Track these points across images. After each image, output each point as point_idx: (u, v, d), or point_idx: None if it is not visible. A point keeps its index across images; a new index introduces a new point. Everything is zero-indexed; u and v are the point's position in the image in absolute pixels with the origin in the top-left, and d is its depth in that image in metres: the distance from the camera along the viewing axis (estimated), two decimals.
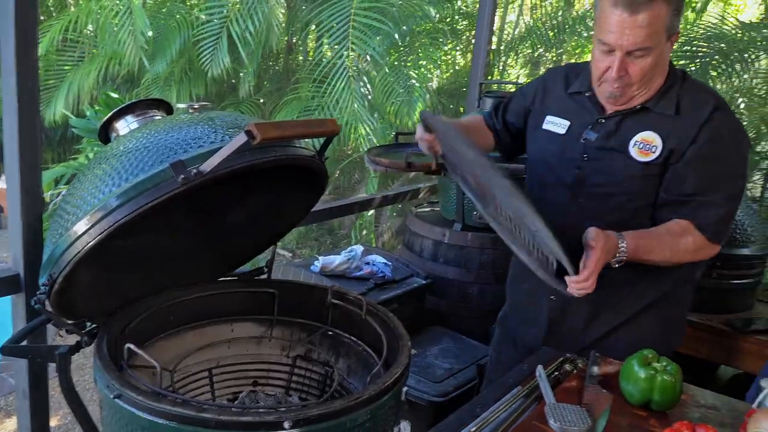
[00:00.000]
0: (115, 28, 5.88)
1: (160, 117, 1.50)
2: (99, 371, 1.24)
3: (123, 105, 1.49)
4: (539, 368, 1.42)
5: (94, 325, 1.45)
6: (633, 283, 1.68)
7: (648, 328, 1.72)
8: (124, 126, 1.49)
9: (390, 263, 2.71)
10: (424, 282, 2.68)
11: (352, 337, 1.66)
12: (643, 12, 1.46)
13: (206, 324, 1.68)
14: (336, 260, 2.59)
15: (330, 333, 1.70)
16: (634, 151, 1.60)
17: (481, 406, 1.32)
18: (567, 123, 1.73)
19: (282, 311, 1.74)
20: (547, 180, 1.76)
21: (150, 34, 6.03)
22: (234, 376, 1.72)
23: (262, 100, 6.98)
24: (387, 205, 4.01)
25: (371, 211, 5.95)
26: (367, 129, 5.32)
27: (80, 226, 1.20)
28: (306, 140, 1.43)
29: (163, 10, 6.55)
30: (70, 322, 1.39)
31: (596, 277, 1.43)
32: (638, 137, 1.60)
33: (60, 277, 1.24)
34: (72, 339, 1.42)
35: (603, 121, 1.66)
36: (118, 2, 5.84)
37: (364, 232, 6.16)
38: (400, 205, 5.43)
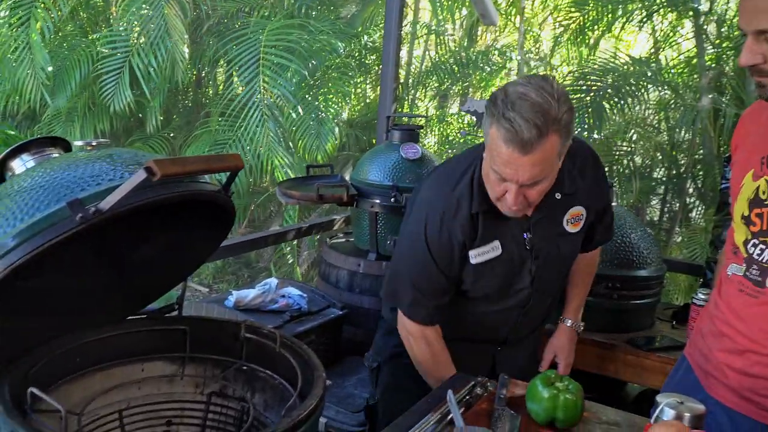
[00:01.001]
0: (13, 64, 5.65)
1: (57, 155, 1.45)
2: (2, 417, 1.18)
3: (17, 144, 1.44)
4: (449, 393, 1.45)
5: None
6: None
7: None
8: (20, 165, 1.43)
9: (306, 295, 2.70)
10: (340, 312, 2.68)
11: (267, 371, 1.64)
12: (535, 151, 1.43)
13: (115, 364, 1.62)
14: (250, 294, 2.56)
15: (244, 368, 1.67)
16: (568, 227, 1.75)
17: (396, 430, 1.33)
18: (497, 243, 1.70)
19: (194, 348, 1.70)
20: (506, 294, 1.79)
21: (50, 69, 5.83)
22: (146, 417, 1.66)
23: (172, 135, 6.85)
24: (301, 237, 4.01)
25: (294, 242, 5.92)
26: (282, 161, 5.32)
27: None
28: (214, 175, 1.43)
29: (65, 44, 6.36)
30: None
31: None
32: (568, 215, 1.74)
33: None
34: None
35: (534, 222, 1.71)
36: (15, 39, 5.63)
37: (290, 261, 6.12)
38: (318, 237, 5.43)
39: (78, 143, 1.43)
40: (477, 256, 1.69)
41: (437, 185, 1.73)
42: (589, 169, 1.76)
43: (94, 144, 1.41)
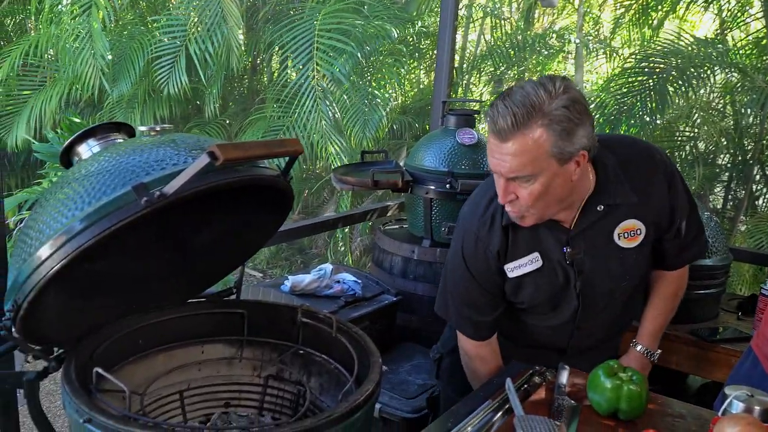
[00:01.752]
0: (75, 52, 5.82)
1: (121, 140, 1.49)
2: (68, 396, 1.22)
3: (84, 129, 1.48)
4: (508, 381, 1.44)
5: (61, 350, 1.43)
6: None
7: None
8: (86, 150, 1.47)
9: (360, 281, 2.71)
10: (394, 299, 2.68)
11: (324, 356, 1.66)
12: (511, 141, 1.38)
13: (176, 346, 1.66)
14: (306, 279, 2.59)
15: (301, 352, 1.69)
16: (621, 242, 1.61)
17: (454, 419, 1.32)
18: (537, 254, 1.62)
19: (252, 331, 1.72)
20: (554, 308, 1.71)
21: (110, 57, 5.98)
22: (205, 398, 1.70)
23: (228, 121, 6.96)
24: (355, 223, 4.03)
25: (347, 228, 5.96)
26: (337, 147, 5.34)
27: (44, 251, 1.19)
28: (272, 160, 1.44)
29: (125, 33, 6.52)
30: (37, 347, 1.37)
31: None
32: (619, 229, 1.60)
33: (25, 303, 1.22)
34: (40, 364, 1.40)
35: (573, 233, 1.60)
36: (78, 26, 5.79)
37: (342, 248, 6.16)
38: (371, 223, 5.45)
39: (142, 128, 1.46)
40: (514, 269, 1.64)
41: (474, 202, 1.70)
42: (654, 179, 1.61)
43: (157, 129, 1.44)
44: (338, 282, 2.66)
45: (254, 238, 1.75)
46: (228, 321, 1.72)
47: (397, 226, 3.19)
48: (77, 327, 1.47)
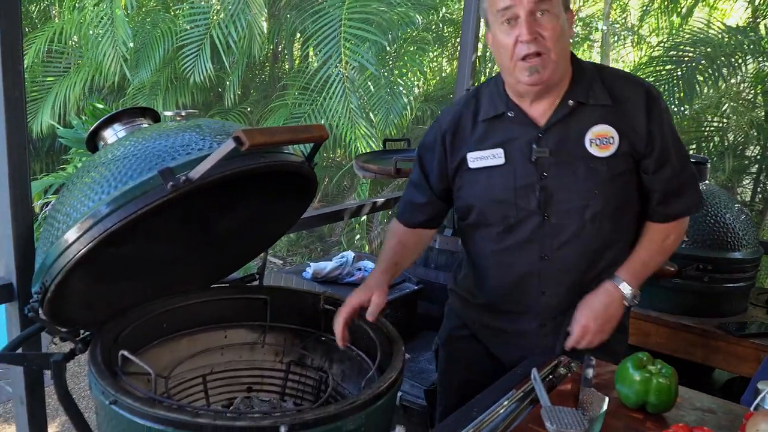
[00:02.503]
0: (98, 39, 5.87)
1: (147, 125, 1.50)
2: (94, 378, 1.24)
3: (110, 114, 1.49)
4: (534, 371, 1.43)
5: (87, 333, 1.45)
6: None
7: None
8: (112, 135, 1.48)
9: None
10: (415, 287, 2.68)
11: (349, 345, 1.64)
12: None
13: (199, 331, 1.68)
14: (328, 266, 2.60)
15: (323, 339, 1.70)
16: (593, 149, 1.54)
17: (478, 408, 1.32)
18: (501, 151, 1.59)
19: (274, 317, 1.73)
20: (506, 217, 1.62)
21: (131, 44, 6.02)
22: (228, 383, 1.72)
23: (249, 109, 6.98)
24: (377, 211, 4.02)
25: (363, 217, 5.96)
26: (365, 132, 5.34)
27: (71, 234, 1.20)
28: (295, 147, 1.44)
29: (148, 20, 6.55)
30: (63, 329, 1.39)
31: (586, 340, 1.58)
32: (591, 133, 1.54)
33: (52, 286, 1.24)
34: (67, 346, 1.42)
35: (544, 134, 1.56)
36: (101, 12, 5.83)
37: (357, 237, 6.16)
38: (390, 212, 5.45)
39: (168, 113, 1.47)
40: (475, 159, 1.62)
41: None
42: (633, 96, 1.54)
43: (183, 114, 1.44)
44: (359, 269, 2.67)
45: (277, 225, 1.75)
46: (251, 306, 1.73)
47: None
48: (103, 310, 1.49)
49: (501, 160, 1.59)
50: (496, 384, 1.44)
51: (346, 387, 1.66)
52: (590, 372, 1.44)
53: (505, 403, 1.33)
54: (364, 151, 5.00)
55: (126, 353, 1.30)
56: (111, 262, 1.45)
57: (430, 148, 1.70)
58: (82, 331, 1.45)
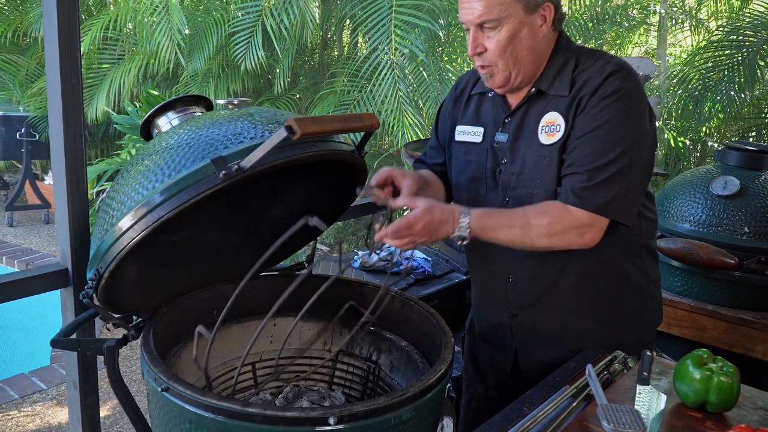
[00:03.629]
0: (153, 26, 5.96)
1: (200, 113, 1.51)
2: (146, 364, 1.25)
3: (164, 102, 1.50)
4: (589, 367, 1.39)
5: (140, 319, 1.47)
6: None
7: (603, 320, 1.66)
8: (166, 122, 1.50)
9: (430, 258, 2.69)
10: (464, 277, 2.66)
11: (395, 333, 1.65)
12: None
13: (250, 318, 1.69)
14: (375, 256, 2.59)
15: (372, 328, 1.69)
16: (542, 137, 1.55)
17: (529, 404, 1.29)
18: (481, 129, 1.66)
19: (323, 306, 1.72)
20: (477, 195, 1.68)
21: (187, 31, 6.09)
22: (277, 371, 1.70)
23: (298, 96, 7.01)
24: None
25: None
26: (412, 120, 5.30)
27: (125, 222, 1.21)
28: (345, 135, 1.43)
29: (201, 8, 6.62)
30: (117, 315, 1.41)
31: (404, 240, 1.43)
32: (543, 121, 1.55)
33: (106, 272, 1.26)
34: (119, 332, 1.45)
35: (509, 119, 1.61)
36: (154, 1, 5.92)
37: None
38: None
39: (220, 102, 1.47)
40: (460, 133, 1.71)
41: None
42: (589, 75, 1.51)
43: (235, 103, 1.44)
44: (408, 259, 2.65)
45: (325, 214, 1.74)
46: (300, 295, 1.71)
47: None
48: (155, 297, 1.51)
49: (479, 138, 1.66)
50: (547, 379, 1.41)
51: (394, 378, 1.64)
52: (647, 368, 1.40)
53: (557, 399, 1.30)
54: (411, 140, 4.97)
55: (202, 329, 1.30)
56: (163, 249, 1.47)
57: (444, 111, 1.80)
58: (135, 318, 1.47)
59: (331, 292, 1.74)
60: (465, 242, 1.47)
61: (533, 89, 1.57)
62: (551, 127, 1.53)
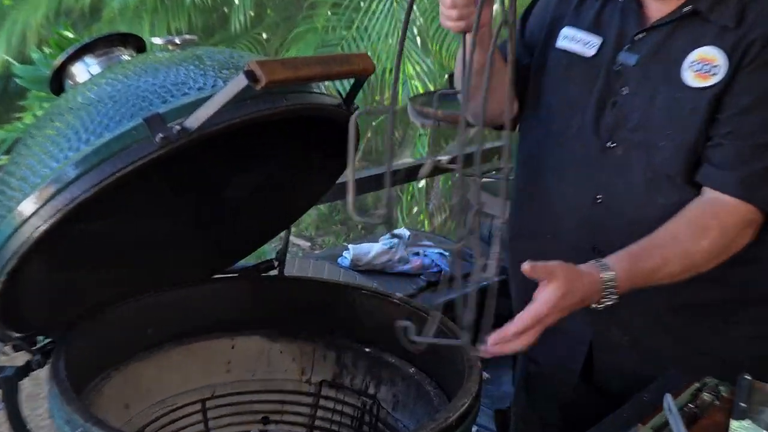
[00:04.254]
0: None
1: (129, 57, 1.50)
2: (56, 402, 1.24)
3: (80, 44, 1.49)
4: (668, 398, 1.41)
5: (49, 340, 1.46)
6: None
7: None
8: (83, 70, 1.49)
9: (447, 254, 2.70)
10: (495, 279, 2.65)
11: (399, 357, 1.65)
12: None
13: (197, 338, 1.69)
14: (373, 250, 2.61)
15: (367, 350, 1.70)
16: (687, 75, 1.55)
17: None
18: (599, 40, 1.67)
19: (300, 320, 1.74)
20: (566, 130, 1.70)
21: None
22: (236, 410, 1.73)
23: (264, 35, 7.01)
24: (438, 174, 4.00)
25: (421, 183, 5.94)
26: (417, 68, 5.29)
27: (27, 206, 1.20)
28: (329, 85, 1.43)
29: None
30: (16, 335, 1.40)
31: (530, 336, 1.40)
32: (695, 55, 1.55)
33: (3, 275, 1.25)
34: (21, 357, 1.44)
35: (642, 36, 1.61)
36: None
37: (414, 210, 6.16)
38: (457, 174, 5.41)
39: (157, 41, 1.46)
40: (565, 38, 1.71)
41: None
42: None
43: (177, 42, 1.44)
44: (417, 254, 2.66)
45: (304, 193, 1.76)
46: (267, 305, 1.75)
47: (498, 178, 3.15)
48: (69, 309, 1.50)
49: (592, 50, 1.67)
50: (612, 417, 1.43)
51: (399, 418, 1.65)
52: (745, 398, 1.41)
53: None
54: (419, 92, 4.97)
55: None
56: (80, 243, 1.47)
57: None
58: (41, 338, 1.46)
59: (312, 302, 1.75)
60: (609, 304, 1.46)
61: (689, 6, 1.56)
62: (705, 67, 1.54)
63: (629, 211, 1.62)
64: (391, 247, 2.64)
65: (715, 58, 1.52)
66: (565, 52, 1.70)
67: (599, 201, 1.65)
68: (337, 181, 1.73)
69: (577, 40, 1.69)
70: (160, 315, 1.63)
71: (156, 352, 1.63)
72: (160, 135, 1.15)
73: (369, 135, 7.06)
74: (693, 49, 1.54)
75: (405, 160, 6.08)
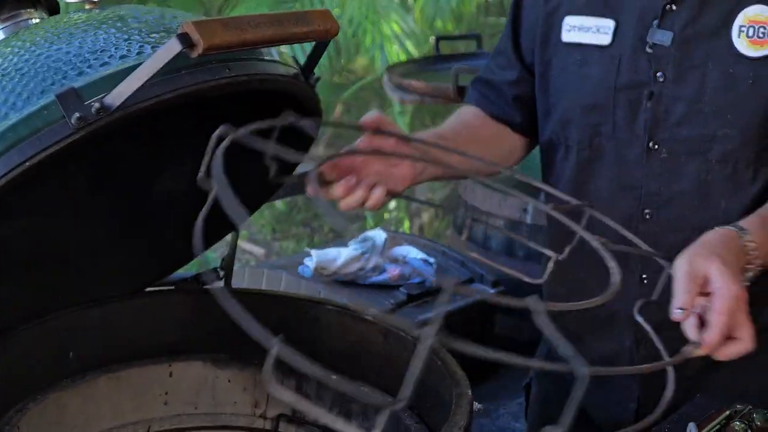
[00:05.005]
0: None
1: (37, 20, 1.51)
2: None
3: None
4: (691, 428, 1.44)
5: None
6: None
7: None
8: None
9: (433, 260, 2.73)
10: (491, 290, 2.69)
11: (371, 385, 1.68)
12: None
13: (128, 365, 1.71)
14: (341, 256, 2.62)
15: (333, 377, 1.70)
16: (740, 44, 1.56)
17: None
18: (611, 24, 1.67)
19: (251, 342, 1.75)
20: (594, 138, 1.70)
21: None
22: None
23: None
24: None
25: None
26: (395, 28, 5.29)
27: None
28: (283, 52, 1.46)
29: None
30: None
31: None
32: (742, 18, 1.56)
33: None
34: None
35: (674, 6, 1.60)
36: None
37: (391, 206, 6.15)
38: None
39: (71, 0, 1.48)
40: (572, 29, 1.71)
41: None
42: None
43: (95, 0, 1.45)
44: (397, 261, 2.68)
45: (254, 187, 1.77)
46: (212, 323, 1.73)
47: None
48: None
49: (606, 39, 1.66)
50: None
51: None
52: None
53: None
54: (399, 60, 4.97)
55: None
56: None
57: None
58: None
59: (266, 320, 1.76)
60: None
61: None
62: (759, 30, 1.55)
63: (685, 225, 1.62)
64: (363, 253, 2.66)
65: (766, 19, 1.55)
66: (576, 46, 1.70)
67: (648, 217, 1.66)
68: (297, 171, 1.76)
69: (585, 29, 1.69)
70: (83, 336, 1.65)
71: (80, 381, 1.64)
72: (76, 115, 1.17)
73: (338, 112, 7.07)
74: (738, 9, 1.55)
75: None
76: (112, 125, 1.20)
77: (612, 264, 1.26)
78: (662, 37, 1.60)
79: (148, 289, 1.79)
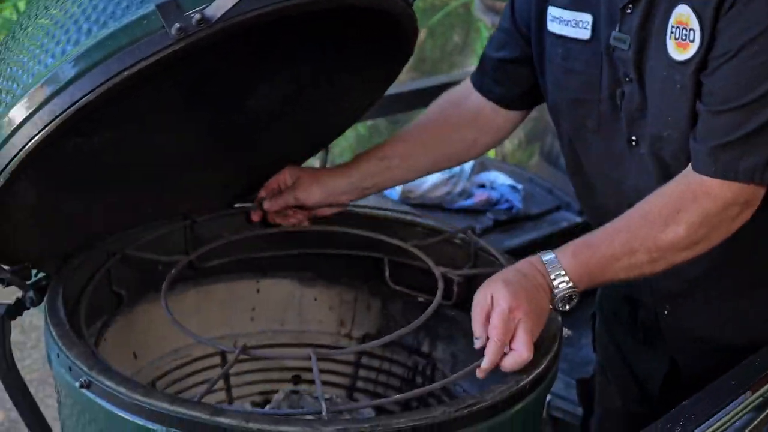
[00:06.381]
0: None
1: None
2: (56, 345, 1.28)
3: None
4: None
5: (44, 274, 1.50)
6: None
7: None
8: None
9: (521, 186, 2.73)
10: (578, 219, 2.67)
11: (460, 309, 1.66)
12: None
13: (215, 279, 1.74)
14: (427, 181, 2.61)
15: (420, 300, 1.72)
16: (671, 46, 1.55)
17: (686, 421, 1.32)
18: (589, 18, 1.66)
19: (338, 262, 1.78)
20: (581, 131, 1.72)
21: None
22: (262, 365, 1.76)
23: None
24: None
25: None
26: None
27: (18, 112, 1.22)
28: None
29: None
30: (6, 268, 1.43)
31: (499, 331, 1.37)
32: (674, 17, 1.54)
33: None
34: (12, 293, 1.47)
35: (630, 9, 1.58)
36: None
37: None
38: None
39: None
40: (554, 20, 1.71)
41: None
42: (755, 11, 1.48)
43: None
44: (483, 186, 2.67)
45: (342, 108, 1.78)
46: (299, 242, 1.78)
47: None
48: (67, 238, 1.54)
49: (585, 33, 1.66)
50: (717, 383, 1.45)
51: (458, 381, 1.67)
52: None
53: (733, 413, 1.34)
54: None
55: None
56: (79, 160, 1.48)
57: None
58: (34, 272, 1.50)
59: (352, 240, 1.77)
60: (575, 301, 1.50)
61: None
62: (683, 32, 1.54)
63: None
64: (450, 177, 2.66)
65: (688, 20, 1.53)
66: (559, 38, 1.70)
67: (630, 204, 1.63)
68: (385, 94, 1.77)
69: (566, 21, 1.68)
70: (172, 249, 1.66)
71: (168, 293, 1.59)
72: (177, 25, 1.17)
73: (422, 37, 7.01)
74: (671, 10, 1.54)
75: (466, 69, 6.03)
76: (212, 37, 1.20)
77: None
78: (622, 41, 1.60)
79: (237, 204, 1.79)
